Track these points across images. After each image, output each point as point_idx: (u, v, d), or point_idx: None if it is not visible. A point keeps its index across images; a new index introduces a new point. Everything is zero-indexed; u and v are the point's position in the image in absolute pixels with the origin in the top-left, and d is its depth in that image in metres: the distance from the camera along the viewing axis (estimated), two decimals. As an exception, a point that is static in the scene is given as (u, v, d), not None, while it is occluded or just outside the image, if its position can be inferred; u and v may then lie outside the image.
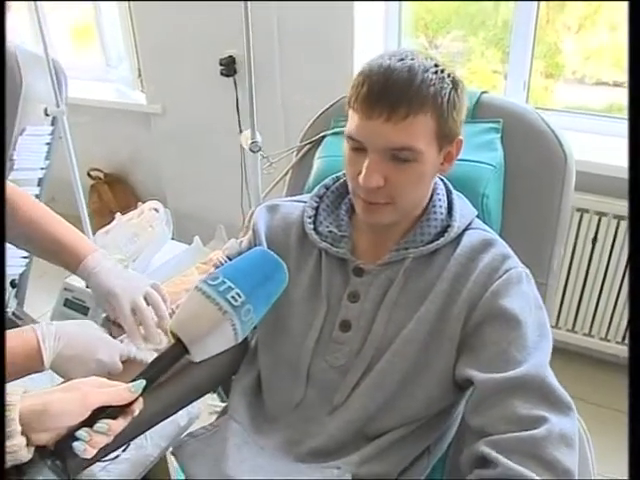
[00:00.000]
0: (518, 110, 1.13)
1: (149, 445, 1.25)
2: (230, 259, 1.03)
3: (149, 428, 1.10)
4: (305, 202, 1.02)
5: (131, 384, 0.64)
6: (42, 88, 1.63)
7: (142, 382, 0.64)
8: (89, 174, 2.96)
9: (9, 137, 1.53)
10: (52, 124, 1.67)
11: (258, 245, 1.00)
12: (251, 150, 1.36)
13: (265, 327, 1.00)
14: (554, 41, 2.08)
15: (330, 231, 0.97)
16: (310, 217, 1.00)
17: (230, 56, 2.28)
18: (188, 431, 1.06)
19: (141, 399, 0.65)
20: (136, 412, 0.65)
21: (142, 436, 1.22)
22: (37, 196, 1.67)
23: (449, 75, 0.86)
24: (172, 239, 1.71)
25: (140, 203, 1.68)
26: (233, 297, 0.65)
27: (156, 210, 1.62)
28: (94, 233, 1.68)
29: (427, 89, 0.82)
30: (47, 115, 1.57)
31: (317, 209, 1.01)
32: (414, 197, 0.90)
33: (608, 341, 1.99)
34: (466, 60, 2.22)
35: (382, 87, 0.81)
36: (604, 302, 1.95)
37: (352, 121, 0.86)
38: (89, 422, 0.62)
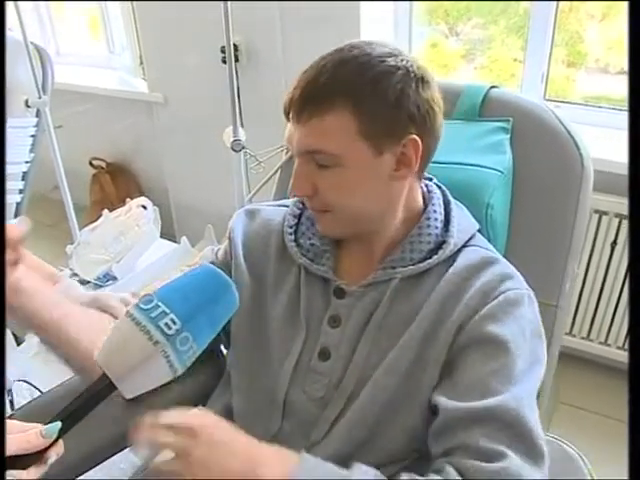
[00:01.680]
0: (530, 107, 1.02)
1: (123, 464, 1.17)
2: (225, 252, 0.95)
3: (119, 451, 1.02)
4: (287, 207, 0.93)
5: (43, 427, 0.56)
6: (26, 78, 1.54)
7: (57, 425, 0.56)
8: (91, 163, 2.91)
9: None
10: (37, 115, 1.58)
11: (233, 254, 0.91)
12: (233, 149, 1.26)
13: (240, 348, 0.90)
14: (576, 29, 1.96)
15: (312, 244, 0.87)
16: (292, 227, 0.90)
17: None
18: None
19: (61, 442, 0.57)
20: (52, 459, 0.57)
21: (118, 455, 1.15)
22: (21, 190, 1.59)
23: (399, 67, 0.75)
24: (161, 237, 1.62)
25: (129, 199, 1.59)
26: (167, 324, 0.56)
27: (144, 207, 1.53)
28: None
29: (333, 85, 0.74)
30: (28, 107, 1.49)
31: (300, 217, 0.91)
32: (352, 206, 0.80)
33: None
34: (486, 48, 2.15)
35: (296, 87, 0.77)
36: (622, 308, 1.83)
37: None
38: None
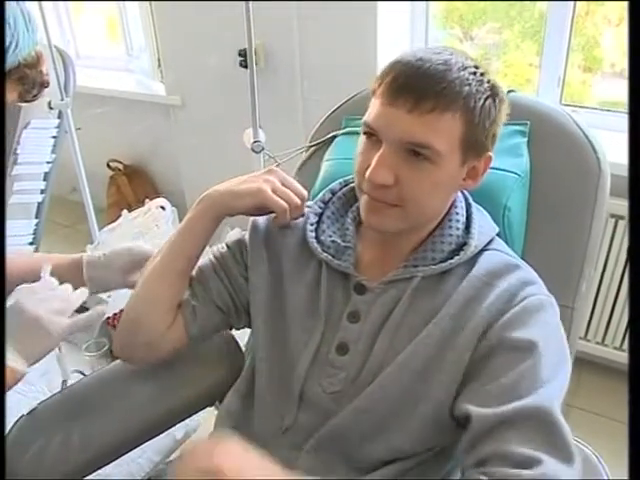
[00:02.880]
0: (547, 111, 1.02)
1: (141, 459, 1.19)
2: (229, 247, 0.96)
3: (137, 446, 1.04)
4: (309, 207, 0.94)
5: None
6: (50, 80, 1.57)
7: None
8: (109, 165, 2.93)
9: (13, 131, 1.48)
10: (59, 117, 1.61)
11: (253, 242, 0.93)
12: (253, 150, 1.27)
13: (261, 338, 0.91)
14: (593, 34, 1.96)
15: (333, 241, 0.88)
16: (312, 224, 0.91)
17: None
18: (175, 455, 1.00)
19: None
20: None
21: (136, 450, 1.16)
22: (42, 190, 1.62)
23: (489, 81, 0.77)
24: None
25: (147, 200, 1.61)
26: None
27: (163, 208, 1.55)
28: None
29: (461, 87, 0.74)
30: (51, 108, 1.51)
31: (321, 216, 0.92)
32: (425, 205, 0.80)
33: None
34: (502, 53, 2.14)
35: (411, 75, 0.73)
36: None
37: (372, 108, 0.78)
38: None
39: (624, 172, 1.56)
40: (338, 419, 0.82)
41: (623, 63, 1.96)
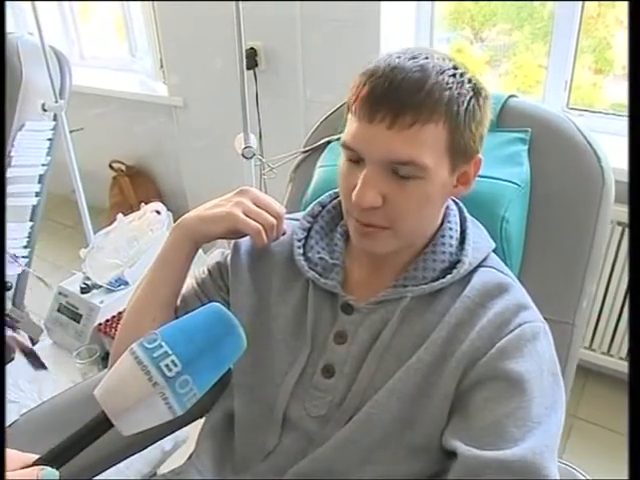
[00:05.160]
0: (549, 117, 0.98)
1: (129, 471, 1.16)
2: (210, 272, 0.93)
3: (125, 458, 1.01)
4: (298, 220, 0.90)
5: (41, 472, 0.54)
6: (45, 82, 1.55)
7: (55, 473, 0.54)
8: (111, 166, 2.92)
9: (6, 133, 1.46)
10: (54, 119, 1.59)
11: (235, 262, 0.89)
12: (244, 156, 1.24)
13: (242, 359, 0.88)
14: (604, 35, 1.92)
15: (321, 258, 0.84)
16: (300, 240, 0.87)
17: (252, 48, 2.18)
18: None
19: None
20: None
21: (124, 461, 1.14)
22: (37, 193, 1.60)
23: (470, 80, 0.72)
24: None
25: (143, 205, 1.59)
26: (167, 365, 0.54)
27: (158, 212, 1.52)
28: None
29: (441, 93, 0.68)
30: (45, 110, 1.49)
31: (310, 230, 0.89)
32: (417, 223, 0.76)
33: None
34: (512, 54, 2.12)
35: (387, 88, 0.68)
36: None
37: (350, 127, 0.72)
38: None
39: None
40: (324, 448, 0.78)
41: (634, 65, 1.92)
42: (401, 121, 0.68)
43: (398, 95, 0.68)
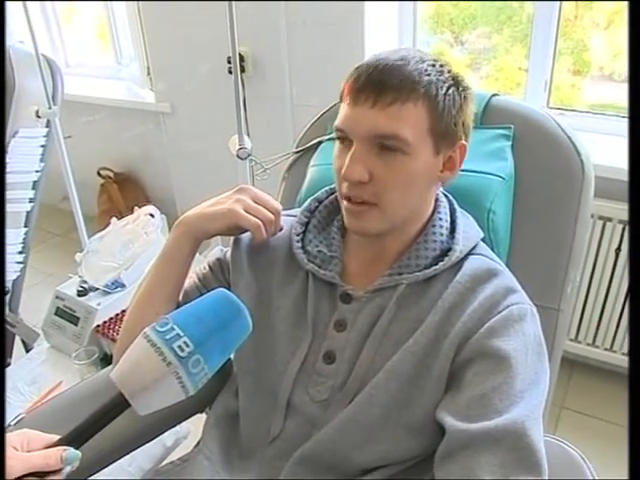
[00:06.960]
0: (531, 114, 1.03)
1: (131, 467, 1.18)
2: (211, 267, 0.96)
3: (127, 453, 1.03)
4: (295, 216, 0.94)
5: (64, 453, 0.57)
6: (37, 89, 1.57)
7: (77, 454, 0.58)
8: (99, 173, 2.93)
9: None
10: (47, 126, 1.61)
11: (235, 258, 0.93)
12: (239, 157, 1.27)
13: (245, 350, 0.91)
14: (581, 38, 1.98)
15: (319, 251, 0.89)
16: (299, 235, 0.91)
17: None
18: (167, 461, 0.99)
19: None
20: (67, 470, 0.58)
21: (126, 457, 1.16)
22: (31, 199, 1.62)
23: (450, 71, 0.79)
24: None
25: (137, 208, 1.61)
26: (180, 346, 0.58)
27: (152, 215, 1.55)
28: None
29: (420, 77, 0.76)
30: (38, 117, 1.51)
31: (307, 225, 0.93)
32: (402, 200, 0.80)
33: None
34: (492, 57, 2.16)
35: (370, 74, 0.76)
36: (627, 314, 1.83)
37: (340, 112, 0.80)
38: None
39: (612, 175, 1.59)
40: (327, 429, 0.82)
41: (612, 66, 1.98)
42: (382, 100, 0.75)
43: (380, 78, 0.75)
